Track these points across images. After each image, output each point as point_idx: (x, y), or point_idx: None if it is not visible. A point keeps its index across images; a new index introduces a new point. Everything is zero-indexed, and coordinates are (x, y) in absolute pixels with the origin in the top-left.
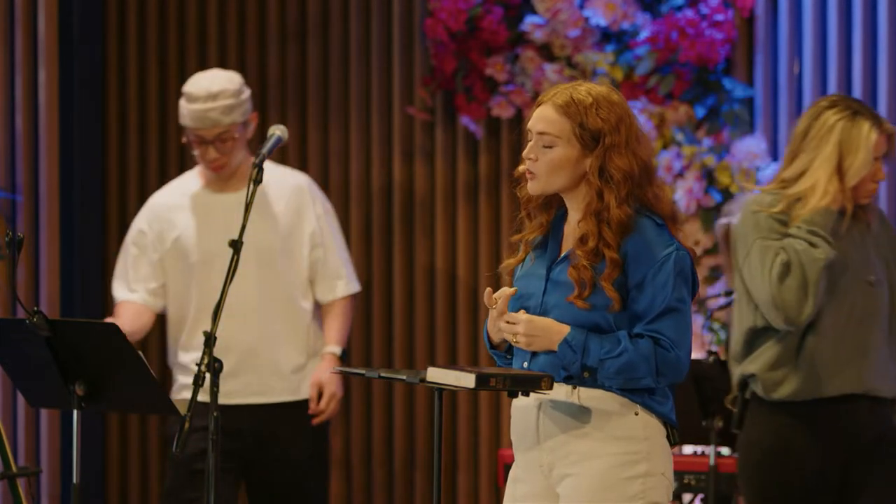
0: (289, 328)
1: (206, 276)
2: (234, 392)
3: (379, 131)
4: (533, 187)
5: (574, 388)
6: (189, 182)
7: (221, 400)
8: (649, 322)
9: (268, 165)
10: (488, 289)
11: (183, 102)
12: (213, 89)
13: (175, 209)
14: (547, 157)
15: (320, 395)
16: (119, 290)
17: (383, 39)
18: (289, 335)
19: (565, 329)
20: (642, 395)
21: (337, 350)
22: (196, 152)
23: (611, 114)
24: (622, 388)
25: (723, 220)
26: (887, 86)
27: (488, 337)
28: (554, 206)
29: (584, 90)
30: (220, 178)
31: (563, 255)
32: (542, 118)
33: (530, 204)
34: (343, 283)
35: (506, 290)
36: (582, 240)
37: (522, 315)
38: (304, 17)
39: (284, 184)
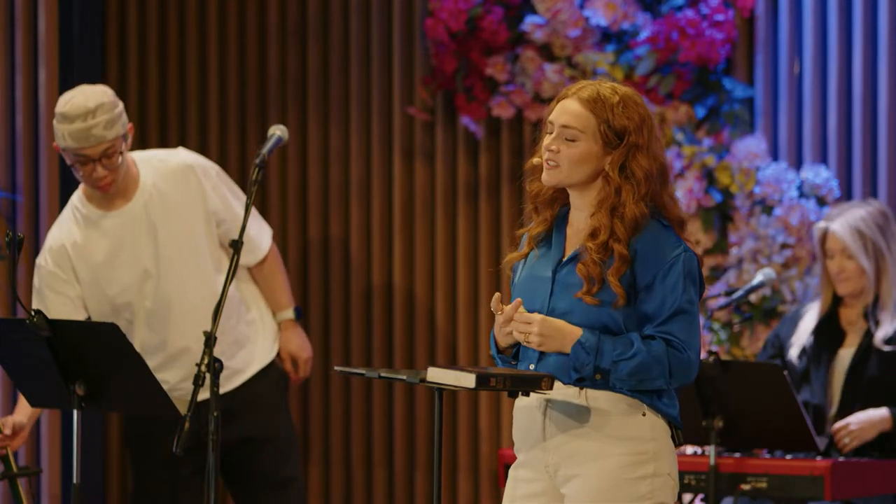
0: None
1: (124, 298)
2: (187, 395)
3: (379, 131)
4: (550, 177)
5: (581, 388)
6: (79, 209)
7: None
8: (660, 324)
9: (143, 156)
10: (497, 294)
11: (58, 124)
12: (90, 105)
13: (77, 243)
14: (570, 150)
15: (295, 364)
16: None
17: (383, 39)
18: (221, 326)
19: (578, 331)
20: (650, 397)
21: (291, 314)
22: (80, 174)
23: (635, 113)
24: (633, 390)
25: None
26: (887, 86)
27: (495, 342)
28: (559, 203)
29: (610, 88)
30: (106, 197)
31: (568, 256)
32: (567, 111)
33: (538, 198)
34: (260, 238)
35: (515, 302)
36: (593, 234)
37: (537, 315)
38: (304, 17)
39: (169, 173)
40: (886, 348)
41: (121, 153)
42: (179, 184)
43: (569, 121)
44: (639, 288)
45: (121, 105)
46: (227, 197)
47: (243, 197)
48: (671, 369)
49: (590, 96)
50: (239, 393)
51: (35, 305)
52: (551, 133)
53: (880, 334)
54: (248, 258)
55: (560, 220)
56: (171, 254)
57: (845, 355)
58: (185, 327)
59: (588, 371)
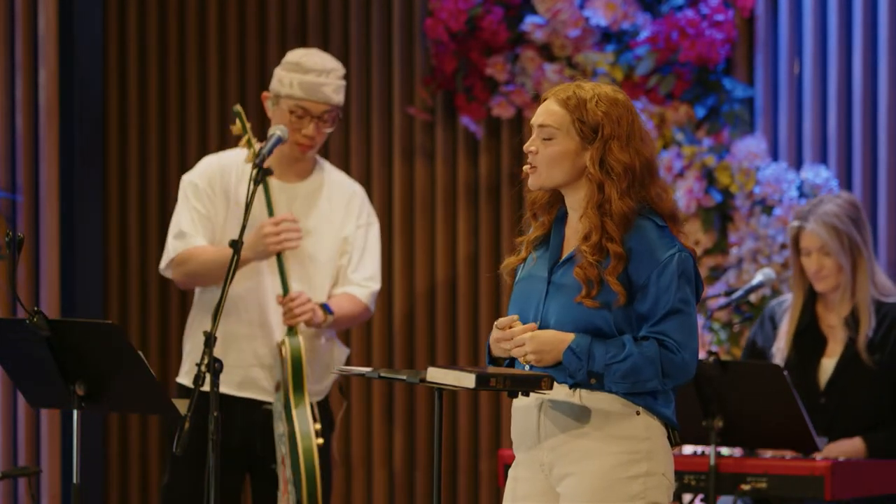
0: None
1: (256, 266)
2: (245, 384)
3: (379, 131)
4: (533, 182)
5: (575, 389)
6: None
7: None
8: (654, 324)
9: (330, 168)
10: (514, 316)
11: (287, 72)
12: (327, 65)
13: (231, 178)
14: (547, 149)
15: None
16: (195, 238)
17: (383, 39)
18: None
19: (569, 337)
20: (644, 397)
21: (325, 309)
22: (289, 126)
23: (611, 108)
24: (628, 393)
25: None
26: (887, 86)
27: (489, 351)
28: (556, 208)
29: (589, 87)
30: (283, 167)
31: (564, 257)
32: (543, 111)
33: (536, 205)
34: (376, 277)
35: (527, 326)
36: (585, 236)
37: (526, 334)
38: (304, 17)
39: (341, 185)
40: (869, 359)
41: (332, 121)
42: (341, 199)
43: (544, 119)
44: (633, 288)
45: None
46: (362, 238)
47: (377, 251)
48: (664, 370)
49: (565, 95)
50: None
51: (184, 212)
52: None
53: (862, 339)
54: (354, 279)
55: (558, 222)
56: (297, 253)
57: (828, 366)
58: (253, 316)
59: (582, 376)
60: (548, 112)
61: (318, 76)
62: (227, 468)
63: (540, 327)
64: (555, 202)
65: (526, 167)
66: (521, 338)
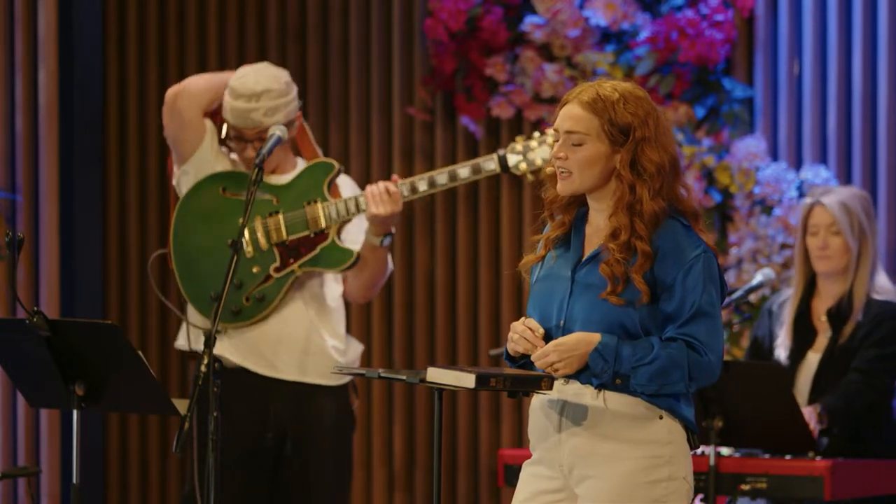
0: (316, 312)
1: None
2: (277, 367)
3: (379, 131)
4: (564, 187)
5: (600, 391)
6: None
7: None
8: (682, 325)
9: (302, 163)
10: (539, 334)
11: (227, 96)
12: (257, 89)
13: (217, 167)
14: (577, 155)
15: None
16: None
17: (383, 39)
18: (320, 318)
19: (595, 339)
20: (668, 400)
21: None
22: (234, 147)
23: (638, 108)
24: (653, 395)
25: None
26: (887, 86)
27: (508, 354)
28: (575, 206)
29: (610, 86)
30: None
31: (587, 255)
32: (569, 116)
33: (554, 205)
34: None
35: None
36: (613, 234)
37: (549, 346)
38: (304, 17)
39: (315, 170)
40: (851, 353)
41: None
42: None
43: (572, 125)
44: (659, 287)
45: (293, 92)
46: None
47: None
48: (691, 373)
49: (590, 98)
50: (322, 390)
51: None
52: (558, 141)
53: (848, 328)
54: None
55: (578, 221)
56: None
57: (813, 360)
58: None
59: (607, 377)
60: (574, 117)
61: (247, 101)
62: (254, 468)
63: (565, 326)
64: (573, 201)
65: (548, 169)
66: (545, 349)
